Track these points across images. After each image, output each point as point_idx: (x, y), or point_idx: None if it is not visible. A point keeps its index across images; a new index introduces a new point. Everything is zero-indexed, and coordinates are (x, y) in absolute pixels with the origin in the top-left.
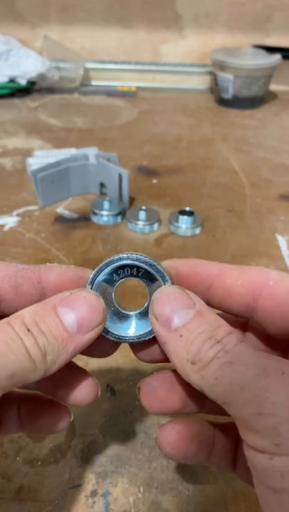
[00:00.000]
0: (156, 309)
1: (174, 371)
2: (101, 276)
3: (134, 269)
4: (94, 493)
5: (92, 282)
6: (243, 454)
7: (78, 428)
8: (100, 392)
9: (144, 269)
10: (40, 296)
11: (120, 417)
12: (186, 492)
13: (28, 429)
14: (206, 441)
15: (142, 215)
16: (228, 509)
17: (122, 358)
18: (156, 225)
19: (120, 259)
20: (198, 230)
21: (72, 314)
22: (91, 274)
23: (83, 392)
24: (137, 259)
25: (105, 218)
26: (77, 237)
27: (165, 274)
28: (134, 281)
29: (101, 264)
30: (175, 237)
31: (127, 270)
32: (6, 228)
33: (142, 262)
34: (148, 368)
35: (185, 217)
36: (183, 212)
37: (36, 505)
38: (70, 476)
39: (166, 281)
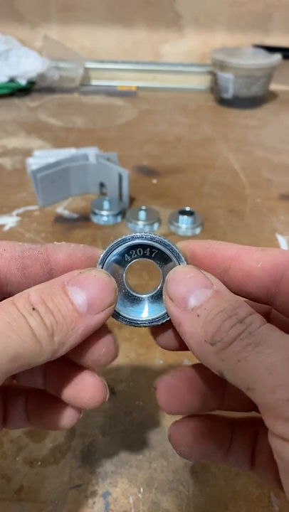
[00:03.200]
0: (170, 289)
1: (193, 366)
2: (112, 257)
3: (148, 249)
4: (94, 494)
5: (103, 263)
6: (263, 451)
7: (78, 428)
8: (108, 396)
9: (158, 249)
10: (48, 277)
11: (120, 417)
12: (186, 492)
13: (35, 425)
14: (223, 438)
15: (142, 215)
16: (228, 509)
17: (122, 358)
18: (156, 225)
19: (133, 238)
20: (198, 230)
21: (82, 293)
22: (101, 254)
23: (89, 395)
24: (152, 239)
25: (105, 218)
26: (77, 237)
27: (181, 255)
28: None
29: (112, 244)
30: (175, 237)
31: (140, 251)
32: (6, 228)
33: (157, 242)
34: (148, 368)
35: (185, 217)
36: (183, 212)
37: (36, 505)
38: (70, 477)
39: (182, 262)
